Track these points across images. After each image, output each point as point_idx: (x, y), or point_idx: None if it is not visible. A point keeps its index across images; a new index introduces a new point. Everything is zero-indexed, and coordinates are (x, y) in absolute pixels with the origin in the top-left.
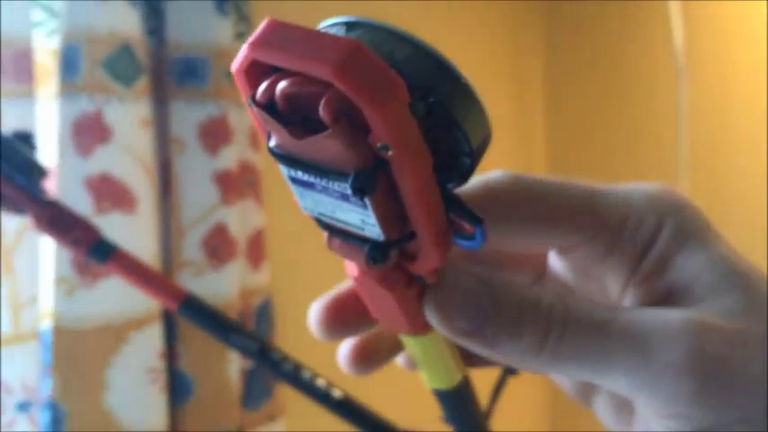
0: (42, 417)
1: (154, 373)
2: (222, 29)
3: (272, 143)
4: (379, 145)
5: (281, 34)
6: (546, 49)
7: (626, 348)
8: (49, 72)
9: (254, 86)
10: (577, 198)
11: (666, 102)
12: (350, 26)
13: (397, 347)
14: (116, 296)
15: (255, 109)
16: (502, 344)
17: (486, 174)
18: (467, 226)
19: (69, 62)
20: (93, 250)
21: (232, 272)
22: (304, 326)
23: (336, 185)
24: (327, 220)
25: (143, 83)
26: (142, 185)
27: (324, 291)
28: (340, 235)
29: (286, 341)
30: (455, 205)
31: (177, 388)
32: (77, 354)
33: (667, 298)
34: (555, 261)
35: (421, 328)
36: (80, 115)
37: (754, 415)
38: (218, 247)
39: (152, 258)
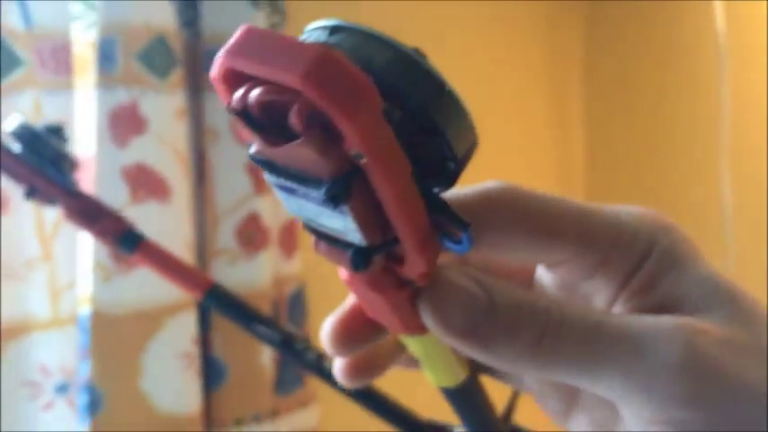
0: (80, 399)
1: (188, 358)
2: (256, 21)
3: (253, 149)
4: (353, 152)
5: (255, 42)
6: (585, 51)
7: (621, 349)
8: (88, 64)
9: (232, 93)
10: (570, 214)
11: (709, 103)
12: (332, 30)
13: (395, 354)
14: (151, 283)
15: (232, 116)
16: (498, 345)
17: (482, 183)
18: (454, 230)
19: (106, 54)
20: (120, 240)
21: (265, 260)
22: None
23: (314, 192)
24: (313, 225)
25: (178, 74)
26: (177, 175)
27: None
28: (326, 239)
29: (319, 328)
30: (441, 210)
31: (211, 373)
32: (114, 338)
33: (656, 313)
34: (542, 275)
35: (417, 328)
36: (117, 107)
37: (745, 421)
38: (252, 235)
39: (187, 247)
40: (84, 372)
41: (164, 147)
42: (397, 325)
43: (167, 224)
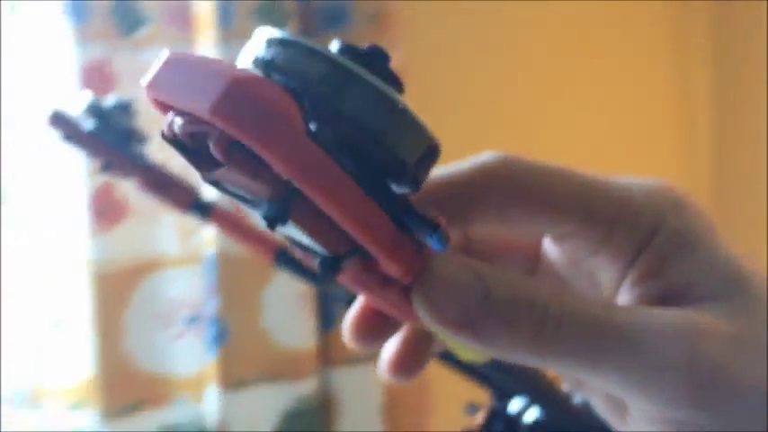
0: (208, 331)
1: (304, 299)
2: None
3: None
4: (284, 176)
5: (173, 72)
6: (713, 51)
7: (621, 348)
8: (209, 20)
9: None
10: (572, 185)
11: None
12: (270, 43)
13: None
14: None
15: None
16: (494, 338)
17: (478, 155)
18: (425, 231)
19: (225, 11)
20: (193, 208)
21: None
22: None
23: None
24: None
25: (291, 29)
26: None
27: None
28: (298, 245)
29: None
30: (406, 213)
31: (325, 315)
32: (238, 277)
33: (664, 299)
34: (549, 249)
35: (417, 318)
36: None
37: (749, 421)
38: None
39: None
40: (212, 307)
41: None
42: (399, 316)
43: None
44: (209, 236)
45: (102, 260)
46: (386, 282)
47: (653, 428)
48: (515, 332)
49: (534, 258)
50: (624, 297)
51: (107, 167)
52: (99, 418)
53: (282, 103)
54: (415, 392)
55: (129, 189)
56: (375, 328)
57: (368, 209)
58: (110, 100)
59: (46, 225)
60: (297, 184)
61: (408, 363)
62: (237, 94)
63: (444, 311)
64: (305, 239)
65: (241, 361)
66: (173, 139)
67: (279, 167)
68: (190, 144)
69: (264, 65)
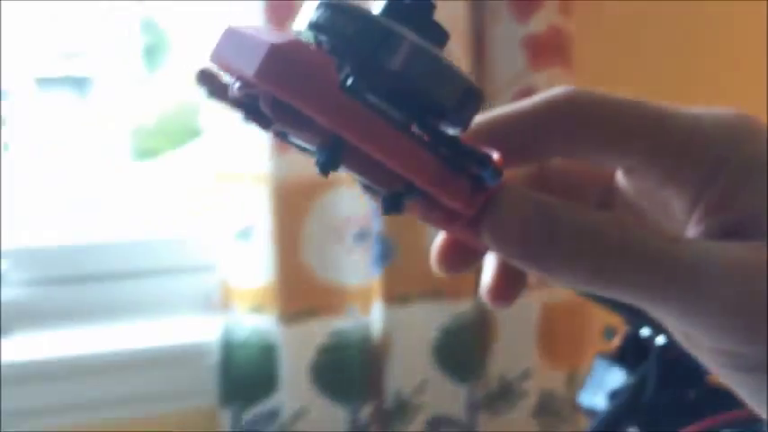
0: (374, 249)
1: None
2: None
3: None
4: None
5: (231, 42)
6: None
7: (680, 281)
8: None
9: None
10: (641, 116)
11: None
12: (319, 6)
13: None
14: None
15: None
16: (558, 269)
17: (549, 90)
18: (478, 165)
19: None
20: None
21: None
22: None
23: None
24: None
25: None
26: (456, 53)
27: None
28: (366, 187)
29: None
30: (456, 149)
31: None
32: None
33: (735, 231)
34: (622, 181)
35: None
36: None
37: None
38: None
39: None
40: (378, 226)
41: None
42: (475, 247)
43: None
44: None
45: (282, 177)
46: (452, 216)
47: (714, 360)
48: (578, 263)
49: (610, 189)
50: (693, 230)
51: (247, 118)
52: (277, 320)
53: (317, 63)
54: (569, 319)
55: None
56: (458, 256)
57: (408, 148)
58: None
59: (236, 148)
60: (337, 133)
61: (503, 289)
62: (276, 58)
63: (509, 243)
64: (365, 180)
65: (405, 278)
66: (236, 100)
67: (317, 118)
68: (249, 104)
69: (313, 27)
